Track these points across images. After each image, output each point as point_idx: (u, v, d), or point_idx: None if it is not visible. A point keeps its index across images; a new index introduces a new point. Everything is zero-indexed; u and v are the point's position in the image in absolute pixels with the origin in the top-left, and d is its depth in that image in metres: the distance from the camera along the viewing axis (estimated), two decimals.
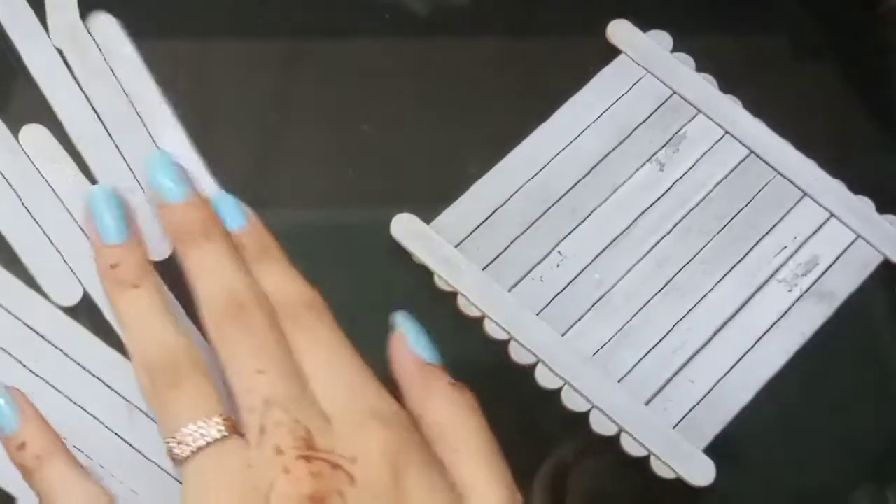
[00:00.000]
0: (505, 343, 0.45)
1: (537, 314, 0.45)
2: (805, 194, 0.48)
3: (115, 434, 0.42)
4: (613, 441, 0.44)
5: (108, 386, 0.43)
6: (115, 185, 0.38)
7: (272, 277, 0.36)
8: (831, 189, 0.48)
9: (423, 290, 0.46)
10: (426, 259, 0.46)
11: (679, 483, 0.44)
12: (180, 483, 0.42)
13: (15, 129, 0.46)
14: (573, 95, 0.49)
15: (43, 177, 0.45)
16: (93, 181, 0.46)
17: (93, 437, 0.42)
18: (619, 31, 0.50)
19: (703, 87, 0.49)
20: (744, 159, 0.48)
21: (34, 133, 0.46)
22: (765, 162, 0.48)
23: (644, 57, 0.50)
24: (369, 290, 0.46)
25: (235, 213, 0.38)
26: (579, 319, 0.46)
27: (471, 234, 0.46)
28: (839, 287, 0.47)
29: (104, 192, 0.37)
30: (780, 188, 0.48)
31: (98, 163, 0.46)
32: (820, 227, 0.48)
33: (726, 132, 0.49)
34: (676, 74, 0.49)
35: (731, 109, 0.49)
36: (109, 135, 0.46)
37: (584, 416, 0.44)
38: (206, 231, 0.36)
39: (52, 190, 0.45)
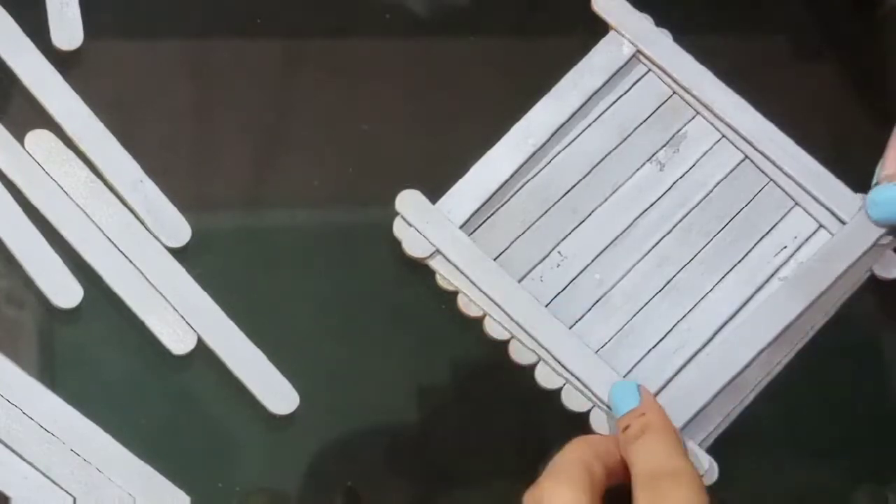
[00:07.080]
0: (505, 343, 0.45)
1: None
2: (796, 203, 0.48)
3: (113, 437, 0.42)
4: None
5: None
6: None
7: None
8: (820, 197, 0.48)
9: (423, 289, 0.46)
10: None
11: None
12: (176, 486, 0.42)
13: (19, 138, 0.45)
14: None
15: (53, 179, 0.45)
16: (100, 178, 0.45)
17: (90, 441, 0.42)
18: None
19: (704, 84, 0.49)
20: (739, 163, 0.48)
21: (40, 137, 0.46)
22: (758, 168, 0.48)
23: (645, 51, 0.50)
24: (369, 290, 0.46)
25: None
26: (580, 319, 0.46)
27: (473, 233, 0.46)
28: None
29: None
30: (773, 195, 0.48)
31: (103, 159, 0.46)
32: (812, 234, 0.48)
33: (723, 136, 0.49)
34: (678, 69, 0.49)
35: (729, 111, 0.49)
36: (109, 131, 0.46)
37: (584, 416, 0.44)
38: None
39: (63, 191, 0.45)
